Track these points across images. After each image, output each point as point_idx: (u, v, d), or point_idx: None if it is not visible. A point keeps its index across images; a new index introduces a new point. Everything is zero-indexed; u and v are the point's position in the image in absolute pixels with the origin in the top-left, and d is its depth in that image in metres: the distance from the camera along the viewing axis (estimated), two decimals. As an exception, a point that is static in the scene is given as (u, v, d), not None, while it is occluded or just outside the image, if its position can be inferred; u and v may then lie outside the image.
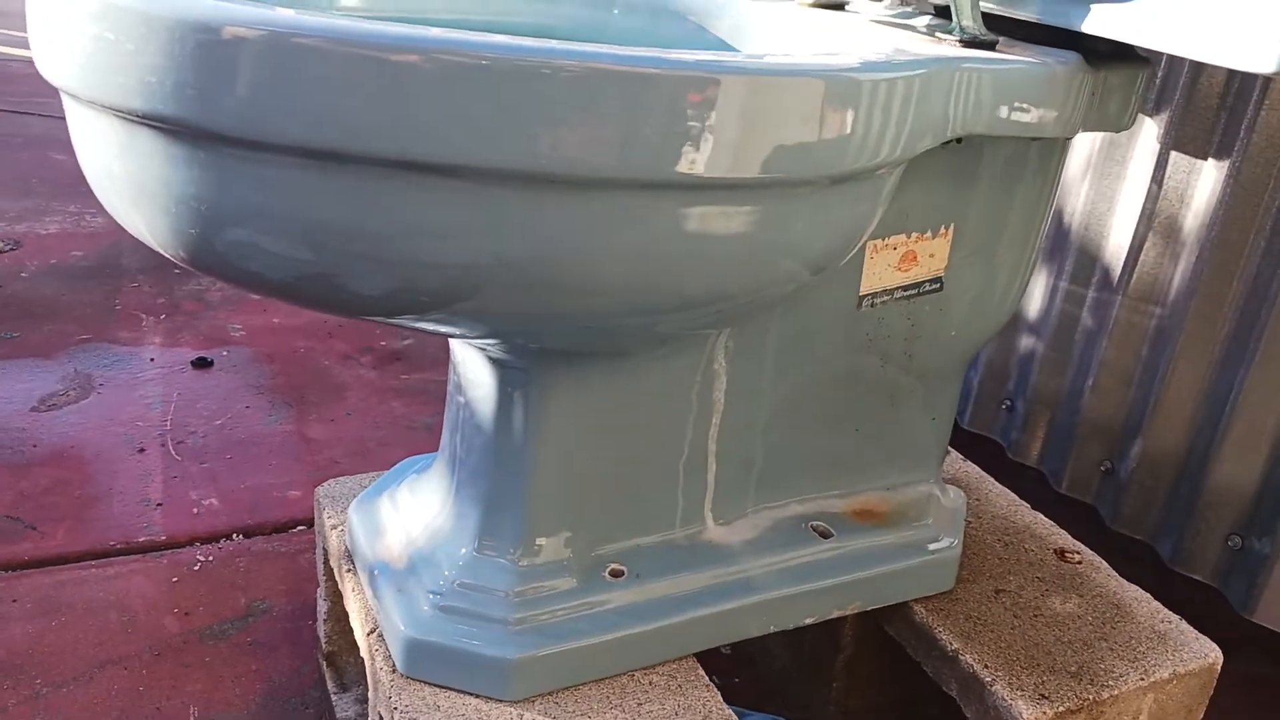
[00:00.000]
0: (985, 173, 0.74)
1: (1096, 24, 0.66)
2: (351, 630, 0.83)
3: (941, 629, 0.77)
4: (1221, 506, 1.02)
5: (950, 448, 1.02)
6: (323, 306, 0.57)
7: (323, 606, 0.89)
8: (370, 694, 0.71)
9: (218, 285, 1.75)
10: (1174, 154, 1.03)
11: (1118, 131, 0.78)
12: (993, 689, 0.72)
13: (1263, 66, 0.56)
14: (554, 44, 0.47)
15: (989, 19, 0.73)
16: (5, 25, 3.31)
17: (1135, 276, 1.08)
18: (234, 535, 1.14)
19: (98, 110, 0.49)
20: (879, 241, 0.74)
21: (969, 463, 1.02)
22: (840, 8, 0.84)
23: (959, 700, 0.75)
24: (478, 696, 0.65)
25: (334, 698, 0.87)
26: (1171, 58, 1.03)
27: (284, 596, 1.05)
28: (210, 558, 1.10)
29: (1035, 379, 1.19)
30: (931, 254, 0.76)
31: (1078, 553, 0.89)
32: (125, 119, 0.48)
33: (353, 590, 0.75)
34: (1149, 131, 1.05)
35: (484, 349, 0.66)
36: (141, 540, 1.11)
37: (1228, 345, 1.01)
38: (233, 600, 1.04)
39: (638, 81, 0.48)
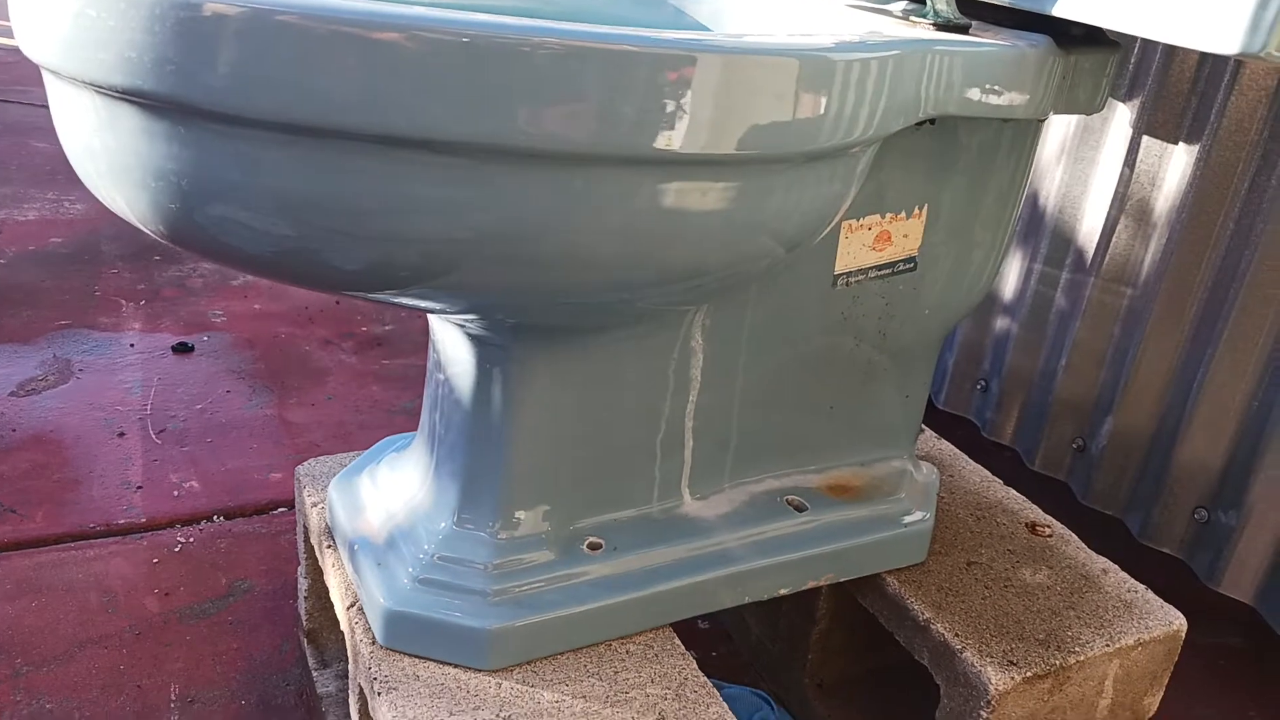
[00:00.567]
0: (959, 154, 0.76)
1: (1066, 8, 0.67)
2: (331, 607, 0.84)
3: (913, 599, 0.79)
4: (1189, 482, 1.04)
5: (925, 426, 1.03)
6: (303, 281, 0.58)
7: (303, 584, 0.89)
8: (350, 666, 0.72)
9: (199, 271, 1.74)
10: (1146, 138, 1.05)
11: (1089, 114, 0.79)
12: (963, 656, 0.73)
13: (1226, 47, 0.58)
14: (534, 21, 0.48)
15: (962, 3, 0.74)
16: (-21, 9, 3.27)
17: (1108, 258, 1.10)
18: (215, 517, 1.14)
19: (78, 86, 0.49)
20: (854, 221, 0.75)
21: (943, 440, 1.04)
22: (816, -10, 0.85)
23: (930, 668, 0.77)
24: (457, 666, 0.66)
25: (314, 674, 0.88)
26: (1145, 43, 1.05)
27: (265, 576, 1.06)
28: (191, 539, 1.10)
29: (1009, 359, 1.21)
30: (906, 234, 0.78)
31: (1048, 526, 0.91)
32: (106, 95, 0.48)
33: (333, 566, 0.76)
34: (1122, 116, 1.07)
35: (463, 325, 0.67)
36: (121, 522, 1.11)
37: (1196, 325, 1.03)
38: (213, 580, 1.04)
39: (616, 59, 0.49)
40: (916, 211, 0.77)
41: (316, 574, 0.87)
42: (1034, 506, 0.94)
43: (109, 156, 0.51)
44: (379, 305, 1.57)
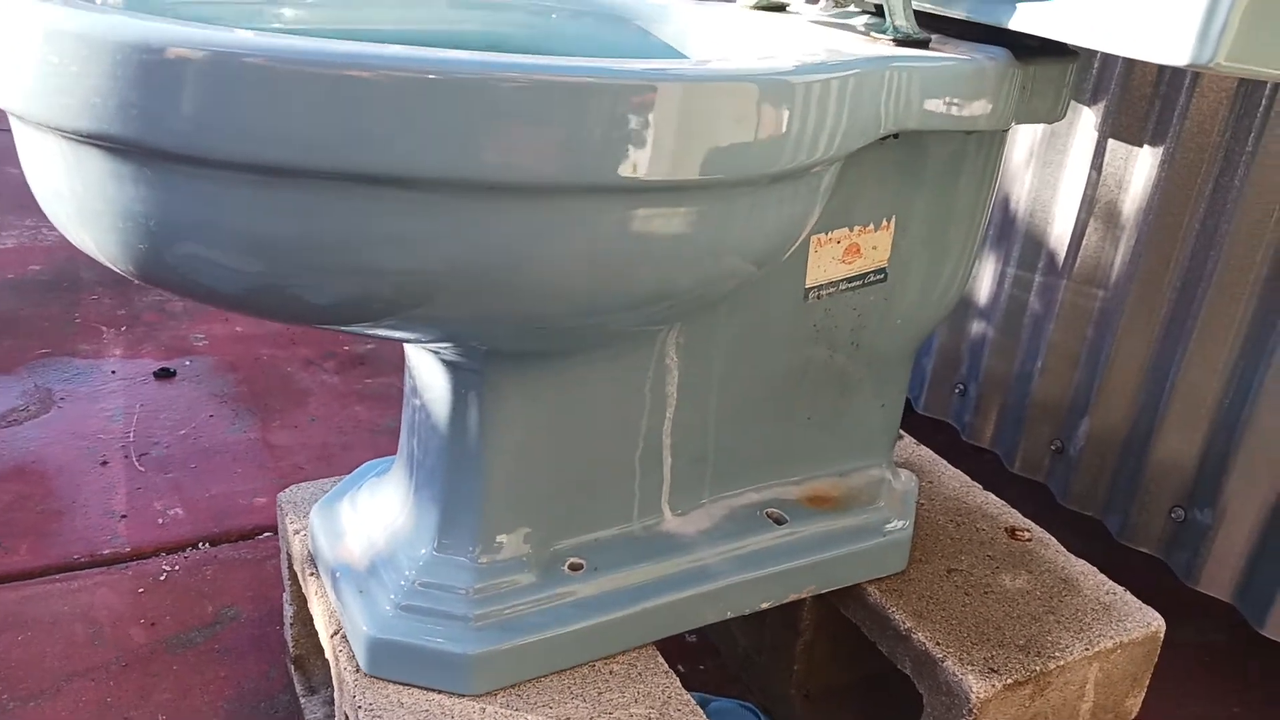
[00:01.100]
0: (925, 166, 0.76)
1: (1022, 21, 0.68)
2: (317, 633, 0.84)
3: (895, 609, 0.80)
4: (1165, 480, 1.05)
5: (904, 432, 1.04)
6: (276, 316, 0.58)
7: (288, 611, 0.89)
8: (336, 695, 0.72)
9: (188, 300, 1.74)
10: (1112, 142, 1.06)
11: (1050, 123, 0.80)
12: (944, 665, 0.74)
13: (1176, 59, 0.59)
14: (496, 56, 0.49)
15: (923, 18, 0.75)
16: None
17: (1079, 261, 1.11)
18: (200, 544, 1.14)
19: (44, 131, 0.50)
20: (822, 235, 0.76)
21: (922, 447, 1.05)
22: (782, 9, 0.86)
23: (913, 677, 0.77)
24: (441, 692, 0.67)
25: (302, 700, 0.89)
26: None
27: (251, 603, 1.06)
28: (176, 567, 1.10)
29: (986, 363, 1.22)
30: (874, 246, 0.79)
31: (1028, 530, 0.92)
32: (71, 139, 0.49)
33: (316, 593, 0.76)
34: (1088, 120, 1.08)
35: (437, 352, 0.68)
36: (106, 553, 1.11)
37: (1167, 325, 1.04)
38: (200, 608, 1.04)
39: (578, 91, 0.49)
40: (884, 223, 0.78)
41: (301, 601, 0.87)
42: (1013, 511, 0.95)
43: (77, 200, 0.51)
44: (360, 325, 1.57)
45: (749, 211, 0.59)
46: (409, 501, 0.73)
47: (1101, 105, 1.06)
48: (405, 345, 0.72)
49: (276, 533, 1.17)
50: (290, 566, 0.86)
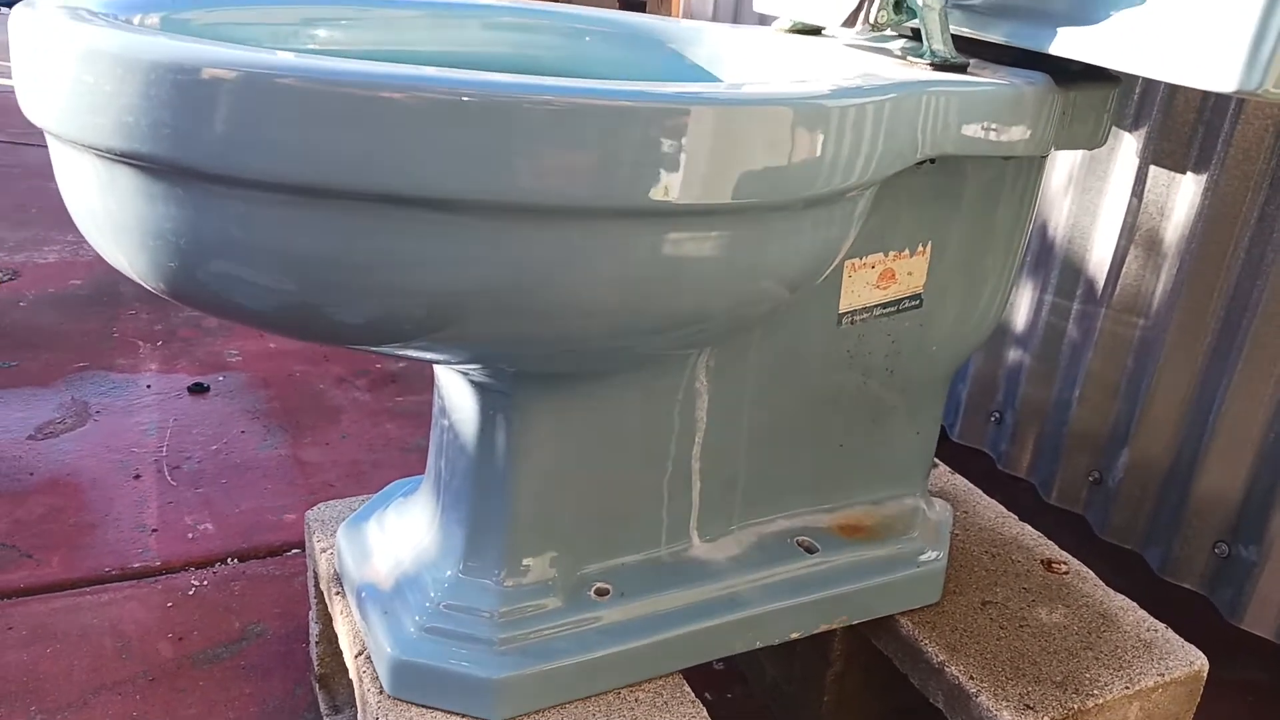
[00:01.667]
0: (962, 191, 0.75)
1: (1064, 46, 0.67)
2: (342, 652, 0.84)
3: (928, 641, 0.78)
4: (1208, 515, 1.02)
5: (939, 460, 1.02)
6: (306, 336, 0.58)
7: (314, 629, 0.89)
8: (359, 715, 0.71)
9: (218, 318, 1.76)
10: (1153, 168, 1.04)
11: (1091, 149, 0.79)
12: (978, 700, 0.72)
13: (1223, 85, 0.58)
14: (530, 79, 0.48)
15: (960, 42, 0.74)
16: (6, 58, 3.33)
17: (1119, 289, 1.09)
18: (229, 559, 1.15)
19: (79, 149, 0.50)
20: (857, 260, 0.75)
21: (957, 475, 1.03)
22: (817, 33, 0.85)
23: (945, 712, 0.75)
24: (464, 717, 0.66)
25: (325, 719, 0.88)
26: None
27: (278, 620, 1.06)
28: (205, 582, 1.11)
29: (1023, 391, 1.20)
30: (910, 271, 0.77)
31: (1065, 563, 0.89)
32: (105, 158, 0.49)
33: (341, 613, 0.76)
34: (1129, 146, 1.06)
35: (466, 373, 0.67)
36: (136, 566, 1.12)
37: (1210, 355, 1.02)
38: (227, 624, 1.05)
39: (612, 114, 0.49)
40: (920, 249, 0.77)
41: (327, 620, 0.87)
42: (1050, 543, 0.93)
43: (110, 217, 0.51)
44: (392, 343, 1.58)
45: (783, 236, 0.58)
46: (435, 522, 0.73)
47: (1143, 131, 1.04)
48: (435, 366, 0.72)
49: (304, 549, 1.17)
50: (317, 585, 0.85)
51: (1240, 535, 1.00)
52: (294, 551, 1.17)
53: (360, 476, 1.32)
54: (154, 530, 1.18)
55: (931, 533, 0.85)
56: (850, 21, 0.75)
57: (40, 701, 0.93)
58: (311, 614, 0.90)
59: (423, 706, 0.67)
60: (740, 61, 0.80)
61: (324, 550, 0.82)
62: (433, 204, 0.49)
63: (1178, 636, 0.81)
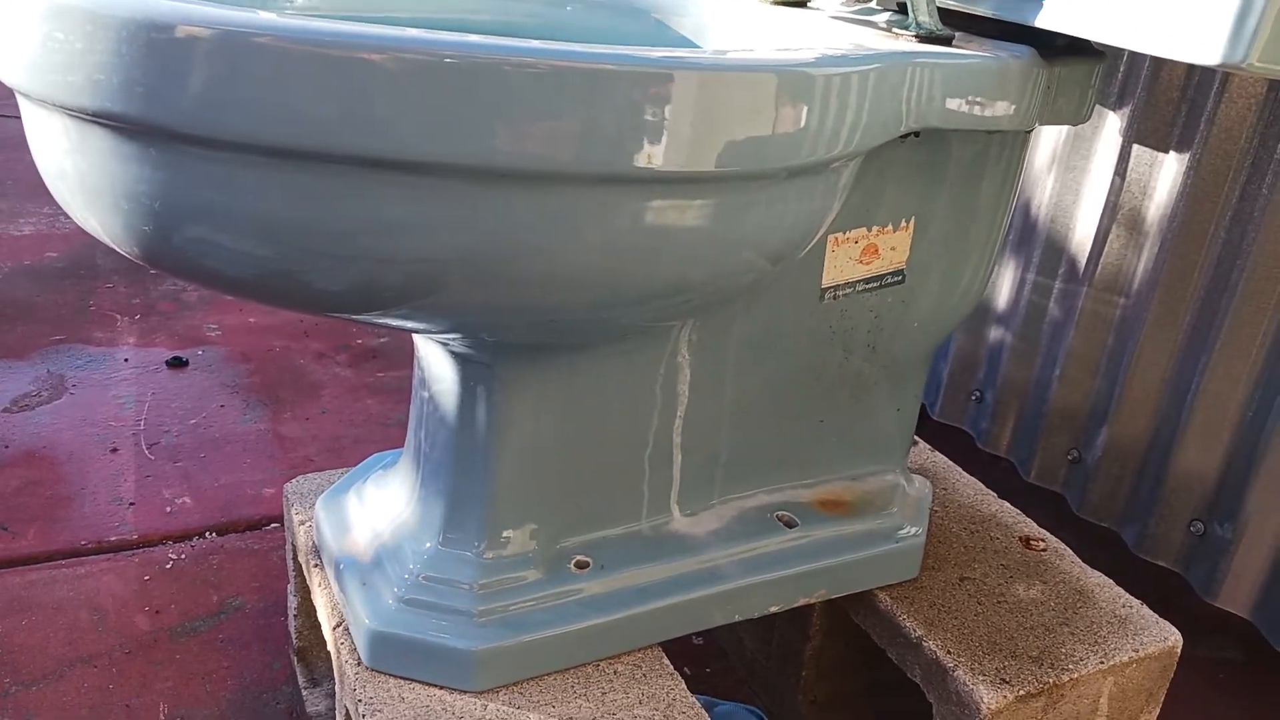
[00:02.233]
0: (946, 166, 0.75)
1: (1049, 19, 0.67)
2: (320, 625, 0.83)
3: (906, 616, 0.78)
4: (1184, 493, 1.03)
5: (919, 438, 1.03)
6: (284, 303, 0.58)
7: (293, 602, 0.89)
8: (336, 687, 0.71)
9: (194, 285, 1.74)
10: (1136, 147, 1.04)
11: (1075, 124, 0.79)
12: (955, 674, 0.73)
13: (1207, 58, 0.57)
14: (513, 42, 0.48)
15: (946, 15, 0.74)
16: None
17: (1100, 268, 1.09)
18: (207, 533, 1.14)
19: (49, 109, 0.49)
20: (840, 235, 0.74)
21: (937, 453, 1.03)
22: (802, 5, 0.84)
23: (923, 686, 0.76)
24: (442, 688, 0.66)
25: (305, 692, 0.88)
26: (1133, 52, 1.04)
27: (256, 593, 1.05)
28: (183, 556, 1.10)
29: (1004, 370, 1.21)
30: (893, 247, 0.77)
31: (1042, 540, 0.90)
32: (76, 117, 0.48)
33: (320, 585, 0.75)
34: (1112, 124, 1.06)
35: (447, 344, 0.67)
36: (113, 539, 1.11)
37: (1190, 334, 1.02)
38: (205, 598, 1.04)
39: (596, 78, 0.48)
40: (904, 224, 0.76)
41: (305, 592, 0.87)
42: (1028, 520, 0.93)
43: (81, 179, 0.50)
44: (373, 319, 1.57)
45: (766, 206, 0.58)
46: (415, 495, 0.72)
47: (1127, 109, 1.04)
48: (415, 336, 0.71)
49: (283, 523, 1.16)
50: (295, 558, 0.85)
51: (1216, 514, 1.01)
52: (273, 526, 1.16)
53: (340, 451, 1.32)
54: (131, 504, 1.17)
55: (911, 509, 0.85)
56: (836, -7, 0.74)
57: (15, 674, 0.92)
58: (290, 587, 0.89)
59: (401, 678, 0.66)
60: (725, 32, 0.79)
61: (302, 523, 0.82)
62: (411, 167, 0.48)
63: (1152, 613, 0.82)
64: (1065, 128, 1.11)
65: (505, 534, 0.69)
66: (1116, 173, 1.06)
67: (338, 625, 0.71)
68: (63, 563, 1.07)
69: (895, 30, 0.71)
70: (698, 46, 0.80)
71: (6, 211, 1.97)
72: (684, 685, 0.69)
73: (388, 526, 0.72)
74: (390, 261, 0.52)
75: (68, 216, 1.97)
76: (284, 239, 0.50)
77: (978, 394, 1.26)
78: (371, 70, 0.45)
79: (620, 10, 0.82)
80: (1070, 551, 0.89)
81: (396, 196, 0.49)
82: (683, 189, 0.54)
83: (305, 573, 0.81)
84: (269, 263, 0.52)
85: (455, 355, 0.67)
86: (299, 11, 0.73)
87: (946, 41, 0.69)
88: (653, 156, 0.51)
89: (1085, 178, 1.10)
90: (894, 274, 0.78)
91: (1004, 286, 1.21)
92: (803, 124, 0.55)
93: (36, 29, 0.47)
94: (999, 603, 0.81)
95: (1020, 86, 0.69)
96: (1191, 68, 0.99)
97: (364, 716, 0.64)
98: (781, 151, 0.55)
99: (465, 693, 0.66)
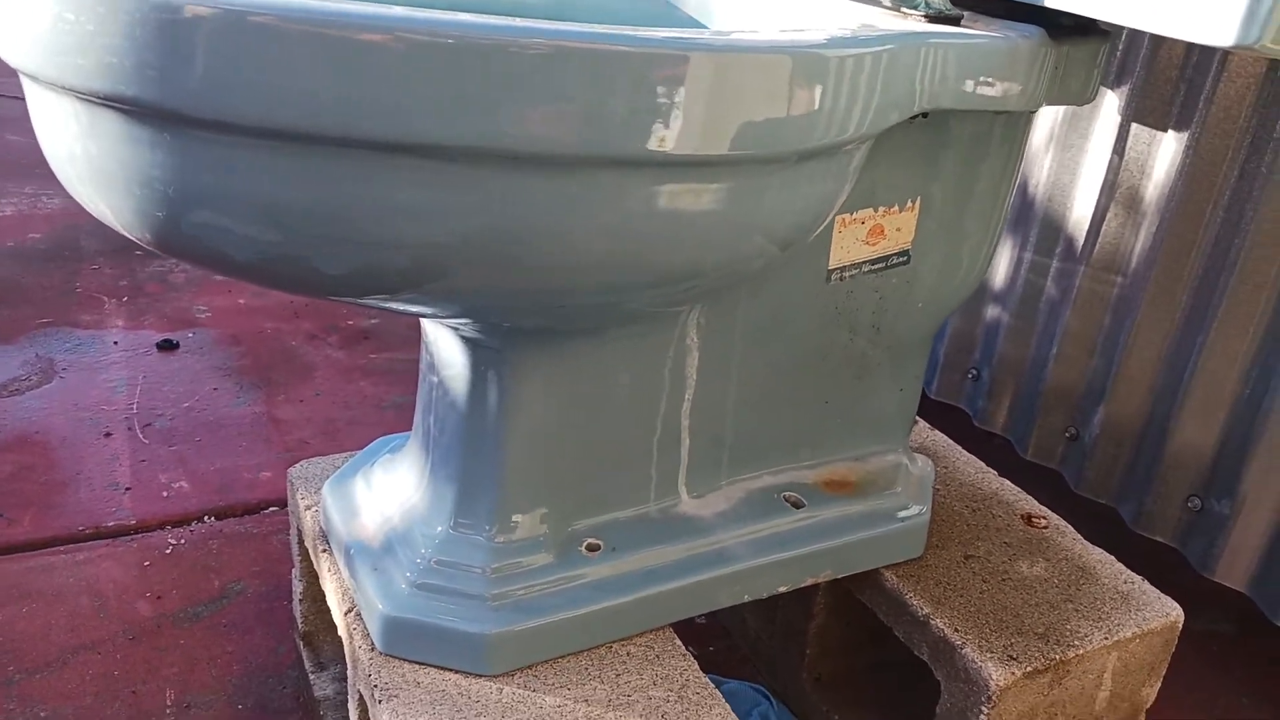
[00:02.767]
0: (951, 146, 0.75)
1: (1059, -2, 0.67)
2: (328, 610, 0.83)
3: (912, 594, 0.79)
4: (1181, 469, 1.04)
5: (918, 417, 1.03)
6: (291, 287, 0.57)
7: (298, 587, 0.89)
8: (349, 673, 0.71)
9: (182, 266, 1.72)
10: (1135, 126, 1.05)
11: (1080, 104, 0.79)
12: (963, 651, 0.73)
13: (1221, 40, 0.57)
14: (520, 22, 0.47)
15: (953, -7, 0.74)
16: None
17: (1098, 246, 1.09)
18: (205, 517, 1.13)
19: (58, 92, 0.48)
20: (846, 215, 0.74)
21: (937, 432, 1.04)
22: (806, -19, 0.84)
23: (930, 663, 0.77)
24: (457, 672, 0.66)
25: (311, 676, 0.88)
26: (1133, 30, 1.04)
27: (257, 578, 1.05)
28: (181, 540, 1.09)
29: (1000, 348, 1.21)
30: (899, 227, 0.77)
31: (1044, 518, 0.91)
32: (87, 101, 0.47)
33: (329, 570, 0.75)
34: (1110, 104, 1.06)
35: (456, 328, 0.66)
36: (111, 525, 1.10)
37: (1187, 313, 1.03)
38: (206, 583, 1.04)
39: (606, 59, 0.48)
40: (909, 205, 0.76)
41: (311, 577, 0.86)
42: (1029, 498, 0.94)
43: (91, 163, 0.50)
44: (366, 300, 1.56)
45: (778, 190, 0.57)
46: (425, 479, 0.72)
47: (1125, 88, 1.04)
48: (423, 322, 0.71)
49: (282, 507, 1.16)
50: (301, 542, 0.85)
51: (1213, 489, 1.02)
52: (271, 509, 1.16)
53: (336, 434, 1.31)
54: (127, 488, 1.16)
55: (914, 488, 0.85)
56: (843, -28, 0.74)
57: (19, 661, 0.92)
58: (295, 571, 0.89)
59: (415, 663, 0.66)
60: (732, 12, 0.78)
61: (308, 508, 0.82)
62: (417, 151, 0.47)
63: (1154, 589, 0.83)
64: (1064, 109, 1.11)
65: (516, 518, 0.69)
66: (1115, 151, 1.06)
67: (349, 610, 0.71)
68: (61, 549, 1.06)
69: (904, 10, 0.71)
70: (704, 27, 0.80)
71: (-12, 193, 1.94)
72: (696, 666, 0.69)
73: (397, 511, 0.72)
74: (396, 246, 0.51)
75: (50, 196, 1.94)
76: (290, 224, 0.50)
77: (974, 372, 1.26)
78: (373, 51, 0.45)
79: (625, -11, 0.81)
80: (1071, 529, 0.90)
81: (402, 180, 0.48)
82: (696, 172, 0.54)
83: (312, 557, 0.80)
84: (276, 247, 0.51)
85: (465, 340, 0.67)
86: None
87: (955, 21, 0.69)
88: (666, 139, 0.50)
89: (1083, 157, 1.10)
90: (899, 254, 0.78)
91: (1002, 265, 1.21)
92: (816, 106, 0.55)
93: (46, 10, 0.46)
94: (1003, 580, 0.82)
95: (1029, 67, 0.69)
96: (1190, 47, 0.99)
97: (379, 701, 0.64)
98: (796, 134, 0.55)
99: (480, 676, 0.66)
